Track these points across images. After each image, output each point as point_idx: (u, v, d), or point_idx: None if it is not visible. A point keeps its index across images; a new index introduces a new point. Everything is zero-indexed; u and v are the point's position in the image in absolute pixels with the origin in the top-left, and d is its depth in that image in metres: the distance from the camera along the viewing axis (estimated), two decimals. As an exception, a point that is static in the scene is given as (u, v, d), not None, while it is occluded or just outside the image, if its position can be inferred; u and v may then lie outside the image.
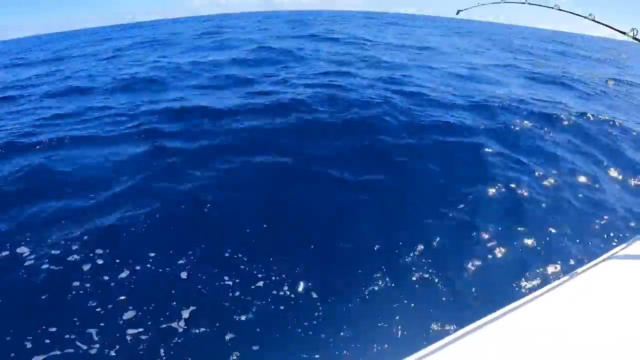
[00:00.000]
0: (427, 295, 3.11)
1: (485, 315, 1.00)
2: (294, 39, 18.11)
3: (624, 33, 2.15)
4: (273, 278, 3.27)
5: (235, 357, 2.62)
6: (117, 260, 3.44)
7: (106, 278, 3.24)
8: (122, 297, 3.05)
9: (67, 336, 2.71)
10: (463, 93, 8.77)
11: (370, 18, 47.38)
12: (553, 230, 4.06)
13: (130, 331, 2.76)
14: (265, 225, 3.95)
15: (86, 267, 3.33)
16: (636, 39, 2.10)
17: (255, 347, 2.68)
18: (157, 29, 36.01)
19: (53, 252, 3.51)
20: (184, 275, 3.28)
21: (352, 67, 11.07)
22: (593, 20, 2.31)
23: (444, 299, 3.10)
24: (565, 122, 7.30)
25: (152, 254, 3.51)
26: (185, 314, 2.91)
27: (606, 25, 2.27)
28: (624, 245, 1.33)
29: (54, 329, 2.77)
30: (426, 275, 3.32)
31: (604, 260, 1.23)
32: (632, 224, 4.30)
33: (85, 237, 3.70)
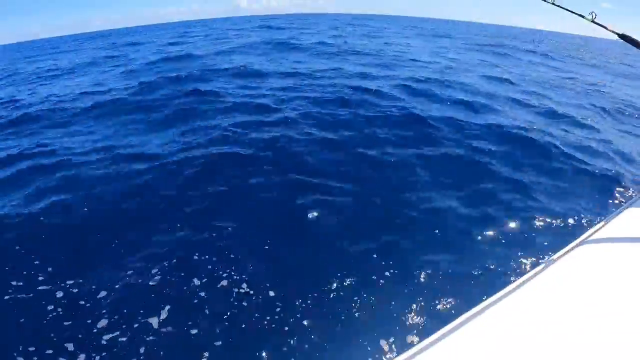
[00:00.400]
0: (396, 301, 3.10)
1: (460, 314, 0.98)
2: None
3: (582, 16, 2.19)
4: (235, 277, 3.30)
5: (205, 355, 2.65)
6: (82, 270, 3.39)
7: (75, 290, 3.18)
8: (93, 307, 3.00)
9: (48, 351, 2.63)
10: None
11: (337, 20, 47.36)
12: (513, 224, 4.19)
13: (105, 336, 2.75)
14: (230, 228, 3.95)
15: (54, 287, 3.22)
16: (595, 22, 2.12)
17: (218, 343, 2.71)
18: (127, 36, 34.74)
19: (14, 268, 3.41)
20: (153, 282, 3.25)
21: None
22: (552, 4, 2.38)
23: (412, 302, 3.09)
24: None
25: (116, 261, 3.49)
26: (159, 317, 2.92)
27: (564, 9, 2.34)
28: (597, 227, 1.30)
29: (32, 348, 2.66)
30: (391, 277, 3.33)
31: (577, 245, 1.19)
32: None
33: (46, 250, 3.64)
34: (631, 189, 5.10)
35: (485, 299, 0.99)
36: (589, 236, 1.23)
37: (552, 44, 38.27)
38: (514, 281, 1.05)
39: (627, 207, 1.40)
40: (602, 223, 1.32)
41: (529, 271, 1.10)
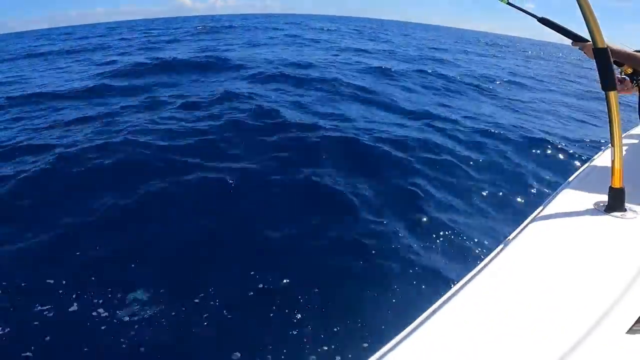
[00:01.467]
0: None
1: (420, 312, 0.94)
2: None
3: None
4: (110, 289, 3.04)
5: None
6: None
7: None
8: None
9: None
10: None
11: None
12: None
13: None
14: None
15: None
16: (510, 4, 2.02)
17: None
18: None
19: None
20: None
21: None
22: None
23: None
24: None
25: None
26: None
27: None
28: (544, 205, 1.42)
29: None
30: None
31: (529, 222, 1.29)
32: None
33: None
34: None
35: (450, 288, 1.01)
36: (539, 213, 1.36)
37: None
38: (475, 266, 1.09)
39: (564, 188, 1.56)
40: (548, 200, 1.47)
41: (488, 254, 1.15)
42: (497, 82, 13.94)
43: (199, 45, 18.40)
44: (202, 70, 11.25)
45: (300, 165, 5.05)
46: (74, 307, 2.96)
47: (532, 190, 5.07)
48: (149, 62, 12.48)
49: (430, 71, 13.61)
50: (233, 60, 12.76)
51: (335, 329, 2.76)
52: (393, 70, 12.86)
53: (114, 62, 13.68)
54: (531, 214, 1.38)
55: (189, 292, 3.05)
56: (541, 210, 1.38)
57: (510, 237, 1.24)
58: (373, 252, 3.61)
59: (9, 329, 2.79)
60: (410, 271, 3.37)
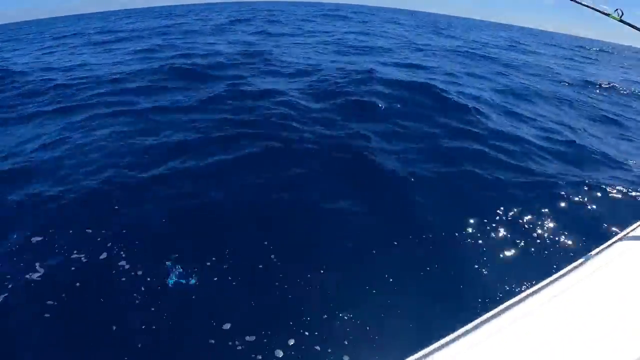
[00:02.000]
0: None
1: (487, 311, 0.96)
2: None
3: (608, 15, 1.99)
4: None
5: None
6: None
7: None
8: None
9: None
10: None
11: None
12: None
13: None
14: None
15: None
16: (623, 21, 1.91)
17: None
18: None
19: None
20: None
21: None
22: (575, 1, 2.17)
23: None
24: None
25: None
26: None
27: (585, 5, 2.13)
28: (637, 224, 1.32)
29: None
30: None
31: (617, 241, 1.22)
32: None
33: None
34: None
35: (523, 290, 1.00)
36: (629, 232, 1.25)
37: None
38: (551, 274, 1.06)
39: None
40: (634, 225, 1.34)
41: (566, 266, 1.11)
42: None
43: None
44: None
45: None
46: (104, 255, 3.05)
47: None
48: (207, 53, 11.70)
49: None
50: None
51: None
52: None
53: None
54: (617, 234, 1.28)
55: (203, 261, 3.07)
56: (633, 229, 1.29)
57: (594, 252, 1.18)
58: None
59: (43, 270, 2.86)
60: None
